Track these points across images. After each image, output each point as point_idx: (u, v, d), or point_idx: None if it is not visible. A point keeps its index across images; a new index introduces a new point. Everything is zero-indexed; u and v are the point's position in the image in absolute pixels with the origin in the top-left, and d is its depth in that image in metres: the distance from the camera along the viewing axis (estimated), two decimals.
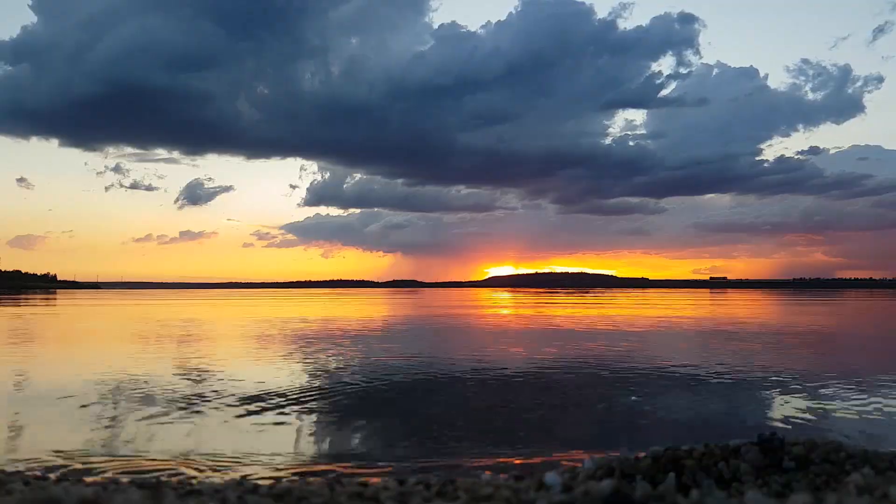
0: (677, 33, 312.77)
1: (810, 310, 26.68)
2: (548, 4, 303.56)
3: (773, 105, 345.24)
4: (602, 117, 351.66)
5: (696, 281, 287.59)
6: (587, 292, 72.03)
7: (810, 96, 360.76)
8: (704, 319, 19.26)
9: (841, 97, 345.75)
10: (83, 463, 3.73)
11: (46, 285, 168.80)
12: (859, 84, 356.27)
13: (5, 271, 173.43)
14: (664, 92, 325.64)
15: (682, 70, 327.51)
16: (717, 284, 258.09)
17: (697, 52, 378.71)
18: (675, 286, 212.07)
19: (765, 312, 23.95)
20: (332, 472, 3.51)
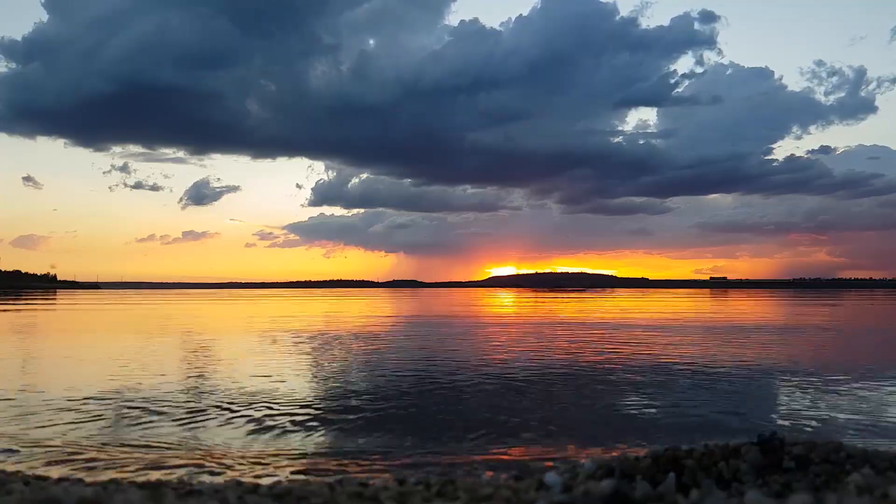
0: (698, 33, 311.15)
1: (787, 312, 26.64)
2: (570, 1, 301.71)
3: (785, 105, 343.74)
4: (615, 116, 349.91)
5: (696, 281, 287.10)
6: (568, 293, 72.09)
7: (823, 98, 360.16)
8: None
9: (854, 98, 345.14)
10: (84, 462, 3.73)
11: (46, 285, 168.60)
12: (873, 86, 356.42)
13: (5, 271, 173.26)
14: (678, 90, 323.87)
15: (698, 69, 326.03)
16: (717, 284, 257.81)
17: (720, 53, 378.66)
18: (675, 286, 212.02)
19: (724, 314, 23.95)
20: (333, 472, 3.51)
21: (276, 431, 4.60)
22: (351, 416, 5.11)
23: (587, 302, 36.63)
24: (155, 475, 3.37)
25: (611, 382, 6.92)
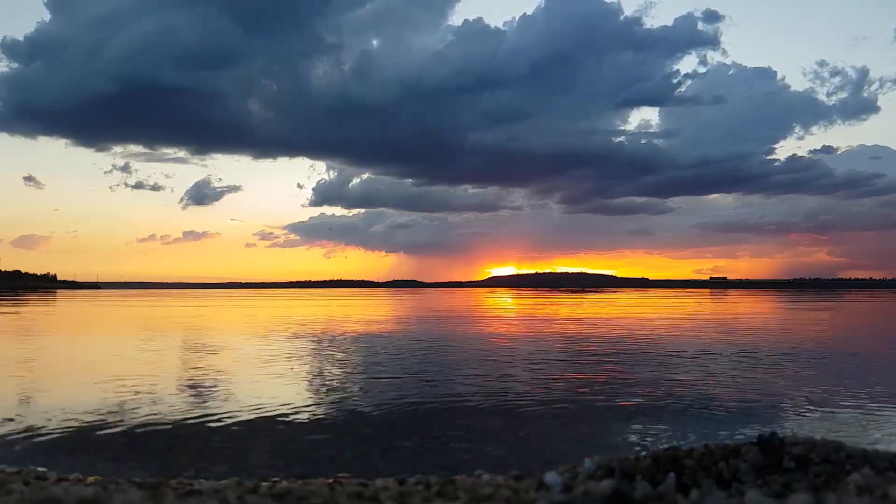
0: (701, 33, 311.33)
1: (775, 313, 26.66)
2: (575, 1, 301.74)
3: (787, 105, 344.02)
4: (617, 115, 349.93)
5: (695, 281, 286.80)
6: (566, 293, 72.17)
7: (825, 98, 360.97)
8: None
9: (856, 98, 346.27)
10: (84, 462, 3.73)
11: (46, 285, 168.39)
12: (875, 86, 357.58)
13: (5, 271, 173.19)
14: (680, 90, 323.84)
15: (701, 69, 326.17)
16: (717, 284, 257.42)
17: (724, 52, 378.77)
18: (675, 286, 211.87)
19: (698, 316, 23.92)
20: (333, 472, 3.51)
21: (277, 433, 4.60)
22: (352, 425, 5.12)
23: (604, 305, 36.62)
24: (155, 475, 3.36)
25: None
